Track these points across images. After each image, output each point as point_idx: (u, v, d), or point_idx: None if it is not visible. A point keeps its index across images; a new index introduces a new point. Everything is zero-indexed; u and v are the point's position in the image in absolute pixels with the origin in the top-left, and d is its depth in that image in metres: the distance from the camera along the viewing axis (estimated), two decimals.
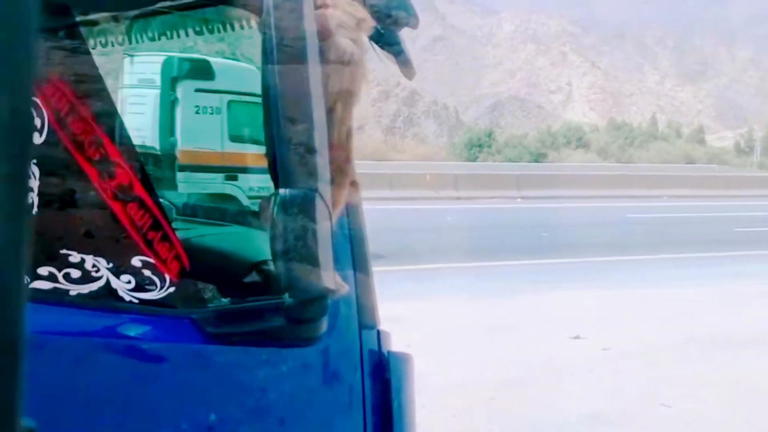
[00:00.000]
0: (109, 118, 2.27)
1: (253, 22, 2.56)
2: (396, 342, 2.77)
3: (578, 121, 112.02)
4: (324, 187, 2.19)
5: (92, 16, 2.54)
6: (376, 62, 2.65)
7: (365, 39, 2.42)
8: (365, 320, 2.58)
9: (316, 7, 2.32)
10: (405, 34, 2.70)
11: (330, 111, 2.34)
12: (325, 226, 2.16)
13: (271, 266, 2.20)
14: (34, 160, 2.13)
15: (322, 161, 2.20)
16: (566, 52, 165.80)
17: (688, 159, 79.89)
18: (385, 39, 2.60)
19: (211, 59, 4.80)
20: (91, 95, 2.24)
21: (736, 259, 17.24)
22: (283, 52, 2.16)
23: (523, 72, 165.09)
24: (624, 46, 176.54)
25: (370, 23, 2.45)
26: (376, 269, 2.73)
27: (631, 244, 19.28)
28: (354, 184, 2.48)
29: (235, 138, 5.84)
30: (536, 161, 73.42)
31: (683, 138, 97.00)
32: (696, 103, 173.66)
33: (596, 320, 10.44)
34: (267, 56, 2.17)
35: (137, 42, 2.90)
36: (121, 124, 2.28)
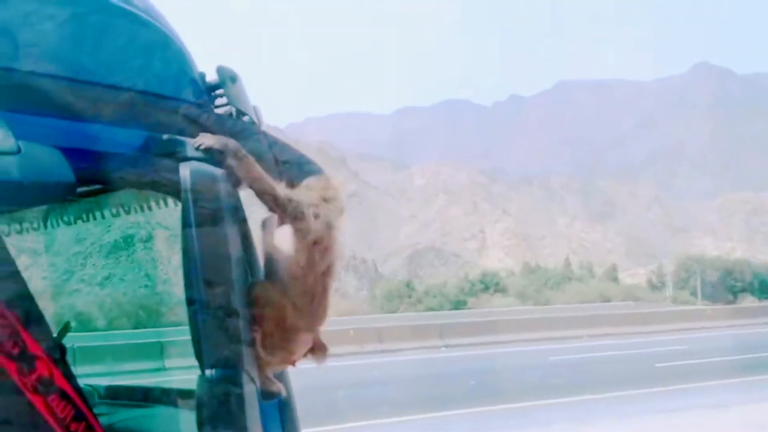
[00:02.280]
0: (24, 304, 2.22)
1: (170, 201, 2.59)
2: None
3: (494, 266, 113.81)
4: (250, 363, 2.18)
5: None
6: None
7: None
8: None
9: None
10: None
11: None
12: (251, 404, 2.13)
13: None
14: None
15: (247, 336, 2.20)
16: (477, 201, 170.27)
17: (604, 297, 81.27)
18: None
19: None
20: (6, 286, 2.18)
21: (662, 394, 17.40)
22: (203, 228, 2.18)
23: (437, 222, 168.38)
24: (532, 192, 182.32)
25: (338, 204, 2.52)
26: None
27: (557, 387, 19.32)
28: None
29: None
30: (456, 308, 73.80)
31: (596, 277, 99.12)
32: (606, 243, 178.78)
33: None
34: (187, 233, 2.19)
35: (52, 227, 2.89)
36: (39, 312, 2.23)
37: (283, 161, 2.59)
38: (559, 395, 17.69)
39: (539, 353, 28.63)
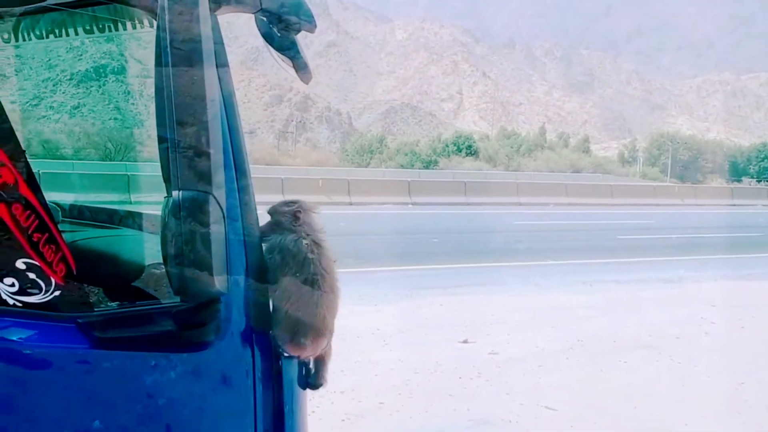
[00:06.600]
0: None
1: (146, 22, 2.50)
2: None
3: (469, 129, 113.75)
4: (218, 190, 2.17)
5: None
6: (270, 66, 2.62)
7: None
8: (258, 324, 2.57)
9: None
10: (299, 39, 2.67)
11: None
12: (218, 229, 2.13)
13: (162, 270, 2.16)
14: None
15: (217, 164, 2.18)
16: (458, 61, 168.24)
17: (575, 168, 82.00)
18: (281, 43, 2.58)
19: None
20: None
21: (620, 265, 17.78)
22: (177, 53, 2.11)
23: (416, 80, 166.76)
24: (513, 57, 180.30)
25: None
26: None
27: (519, 250, 19.68)
28: None
29: None
30: (427, 168, 74.14)
31: (570, 147, 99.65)
32: (582, 114, 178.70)
33: (485, 325, 10.61)
34: (161, 57, 2.13)
35: (24, 40, 2.80)
36: (7, 122, 2.18)
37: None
38: (520, 259, 18.04)
39: (505, 217, 29.04)
